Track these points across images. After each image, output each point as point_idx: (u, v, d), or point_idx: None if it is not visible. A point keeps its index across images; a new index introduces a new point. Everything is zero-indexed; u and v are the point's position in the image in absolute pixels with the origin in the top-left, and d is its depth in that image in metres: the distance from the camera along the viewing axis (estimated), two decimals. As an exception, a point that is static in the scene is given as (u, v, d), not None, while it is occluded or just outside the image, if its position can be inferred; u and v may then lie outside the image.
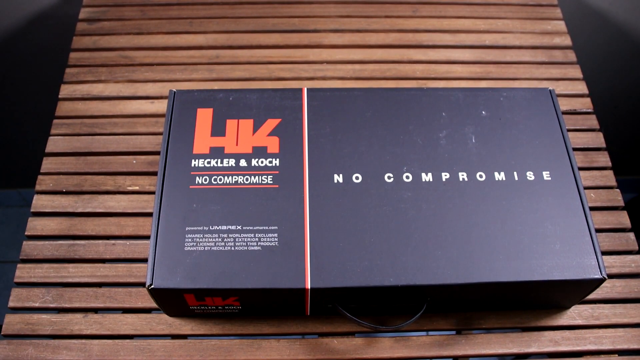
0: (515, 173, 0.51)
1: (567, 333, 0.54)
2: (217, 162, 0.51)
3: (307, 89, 0.55)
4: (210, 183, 0.50)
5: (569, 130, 0.67)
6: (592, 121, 0.68)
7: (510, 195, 0.50)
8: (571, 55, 0.74)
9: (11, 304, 0.55)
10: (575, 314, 0.55)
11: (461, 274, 0.46)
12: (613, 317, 0.55)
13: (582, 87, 0.71)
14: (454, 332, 0.55)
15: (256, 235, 0.47)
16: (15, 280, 0.56)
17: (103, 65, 0.70)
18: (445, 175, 0.50)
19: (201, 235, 0.47)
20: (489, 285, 0.47)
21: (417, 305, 0.49)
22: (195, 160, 0.51)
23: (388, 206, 0.49)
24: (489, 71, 0.72)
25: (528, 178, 0.51)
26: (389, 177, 0.50)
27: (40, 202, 0.60)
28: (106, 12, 0.75)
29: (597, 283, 0.48)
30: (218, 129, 0.53)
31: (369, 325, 0.48)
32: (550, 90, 0.56)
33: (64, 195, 0.61)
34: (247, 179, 0.50)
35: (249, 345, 0.53)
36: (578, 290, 0.50)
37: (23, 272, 0.56)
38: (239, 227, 0.48)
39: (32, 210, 0.60)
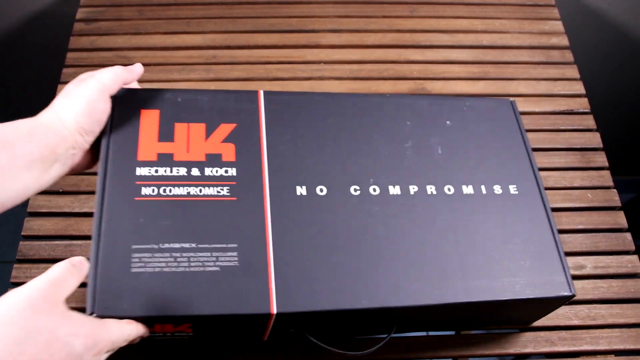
0: (482, 187, 0.49)
1: (563, 333, 0.54)
2: (165, 171, 0.45)
3: (264, 92, 0.51)
4: (158, 194, 0.44)
5: (566, 130, 0.67)
6: (590, 121, 0.68)
7: (479, 209, 0.48)
8: (568, 56, 0.74)
9: (8, 304, 0.54)
10: (572, 314, 0.55)
11: (436, 294, 0.44)
12: (609, 318, 0.55)
13: (579, 87, 0.71)
14: (452, 333, 0.55)
15: (213, 254, 0.42)
16: (12, 280, 0.56)
17: (100, 66, 0.69)
18: (413, 189, 0.48)
19: (150, 255, 0.41)
20: (463, 305, 0.44)
21: (384, 326, 0.47)
22: (140, 169, 0.45)
23: (356, 222, 0.45)
24: (487, 71, 0.72)
25: (495, 192, 0.49)
26: (355, 190, 0.47)
27: (37, 202, 0.60)
28: (104, 12, 0.75)
29: (565, 300, 0.47)
30: (166, 134, 0.47)
31: (337, 351, 0.45)
32: (511, 101, 0.55)
33: (61, 195, 0.61)
34: (200, 191, 0.45)
35: (247, 344, 0.53)
36: (546, 308, 0.49)
37: (19, 273, 0.56)
38: (193, 245, 0.42)
39: (28, 210, 0.60)
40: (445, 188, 0.48)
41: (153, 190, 0.44)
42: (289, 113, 0.50)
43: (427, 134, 0.51)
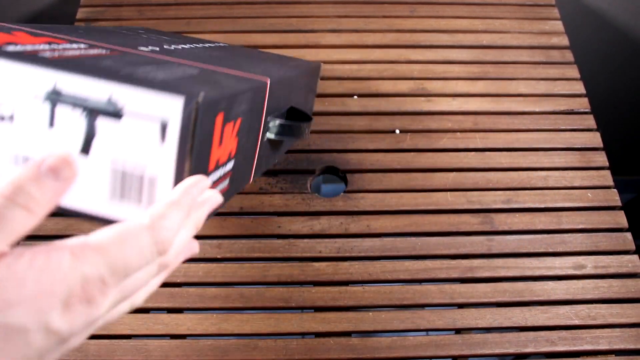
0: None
1: (563, 333, 0.54)
2: (34, 47, 0.32)
3: None
4: (63, 53, 0.32)
5: (566, 130, 0.68)
6: (590, 121, 0.68)
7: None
8: (569, 55, 0.74)
9: (8, 304, 0.54)
10: (572, 314, 0.55)
11: (295, 70, 0.54)
12: (610, 317, 0.55)
13: (579, 87, 0.71)
14: (452, 333, 0.55)
15: (179, 66, 0.37)
16: (12, 280, 0.56)
17: (100, 65, 0.70)
18: (195, 45, 0.54)
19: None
20: (296, 77, 0.53)
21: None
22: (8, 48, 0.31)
23: (205, 52, 0.50)
24: (487, 71, 0.72)
25: None
26: (171, 45, 0.49)
27: (37, 202, 0.60)
28: (104, 12, 0.75)
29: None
30: None
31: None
32: None
33: (61, 195, 0.60)
34: (85, 48, 0.36)
35: (245, 345, 0.53)
36: (316, 79, 0.62)
37: (20, 272, 0.56)
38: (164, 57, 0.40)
39: (29, 210, 0.60)
40: (206, 44, 0.57)
41: (53, 51, 0.32)
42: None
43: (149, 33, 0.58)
